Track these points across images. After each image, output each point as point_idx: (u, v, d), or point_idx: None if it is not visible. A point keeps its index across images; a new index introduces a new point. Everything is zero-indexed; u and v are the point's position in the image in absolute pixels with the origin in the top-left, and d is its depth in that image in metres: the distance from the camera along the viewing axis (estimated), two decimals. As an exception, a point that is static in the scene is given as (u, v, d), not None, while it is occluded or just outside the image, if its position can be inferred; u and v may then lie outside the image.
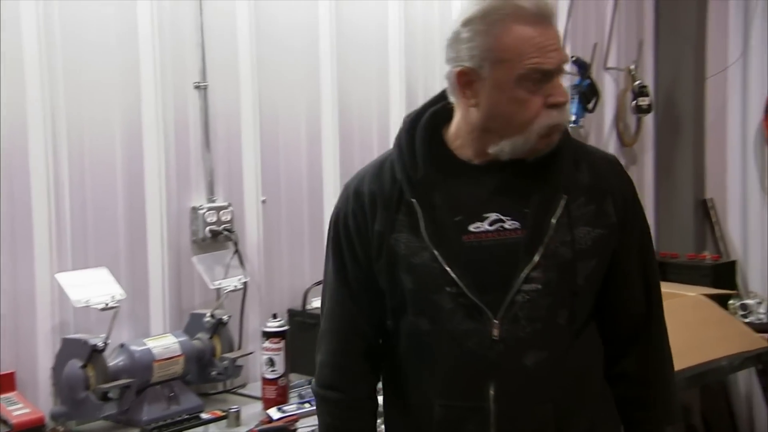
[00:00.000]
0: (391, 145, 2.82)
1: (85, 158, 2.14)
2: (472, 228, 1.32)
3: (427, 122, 1.38)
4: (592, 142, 3.37)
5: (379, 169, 1.40)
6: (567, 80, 1.39)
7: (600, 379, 1.41)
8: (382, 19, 2.74)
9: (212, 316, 2.23)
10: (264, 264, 2.47)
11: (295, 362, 2.28)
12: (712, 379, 2.98)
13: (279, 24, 2.50)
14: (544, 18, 1.28)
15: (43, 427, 1.94)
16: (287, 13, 2.52)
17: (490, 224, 1.32)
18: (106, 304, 2.02)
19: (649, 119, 3.63)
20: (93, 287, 2.05)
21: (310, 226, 2.61)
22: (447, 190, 1.33)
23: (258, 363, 2.29)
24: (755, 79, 3.54)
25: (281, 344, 2.20)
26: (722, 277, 3.29)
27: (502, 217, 1.32)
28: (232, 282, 2.33)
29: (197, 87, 2.33)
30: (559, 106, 1.29)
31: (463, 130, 1.36)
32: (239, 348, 2.33)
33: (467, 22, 1.29)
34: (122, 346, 2.10)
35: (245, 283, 2.36)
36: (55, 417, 1.99)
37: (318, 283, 2.55)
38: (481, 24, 1.28)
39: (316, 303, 2.52)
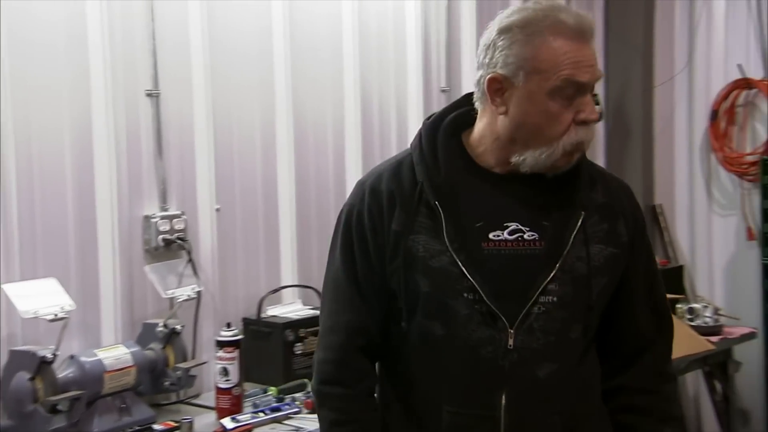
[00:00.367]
0: (345, 151, 2.88)
1: (34, 166, 2.11)
2: (491, 236, 1.32)
3: (448, 127, 1.38)
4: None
5: (398, 168, 1.38)
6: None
7: (599, 394, 1.43)
8: (335, 25, 2.75)
9: (165, 325, 2.21)
10: (218, 272, 2.46)
11: (249, 371, 2.27)
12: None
13: (232, 31, 2.50)
14: (583, 34, 1.28)
15: (-11, 441, 1.91)
16: (240, 20, 2.52)
17: (510, 233, 1.32)
18: (55, 315, 1.99)
19: (599, 128, 3.71)
20: (41, 298, 2.01)
21: (265, 234, 2.61)
22: (468, 196, 1.34)
23: (212, 372, 2.27)
24: (700, 88, 3.65)
25: (235, 353, 2.18)
26: (670, 282, 3.37)
27: (522, 228, 1.32)
28: (186, 291, 2.31)
29: (149, 95, 2.31)
30: (588, 123, 1.30)
31: (488, 137, 1.35)
32: (193, 358, 2.31)
33: (505, 30, 1.29)
34: (72, 357, 2.06)
35: (199, 292, 2.35)
36: (1, 431, 1.95)
37: (273, 292, 2.56)
38: (520, 33, 1.28)
39: (271, 311, 2.52)
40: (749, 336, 3.21)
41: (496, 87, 1.31)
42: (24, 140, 2.08)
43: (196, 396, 2.33)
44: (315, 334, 2.44)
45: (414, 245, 1.32)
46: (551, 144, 1.30)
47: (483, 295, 1.29)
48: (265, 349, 2.41)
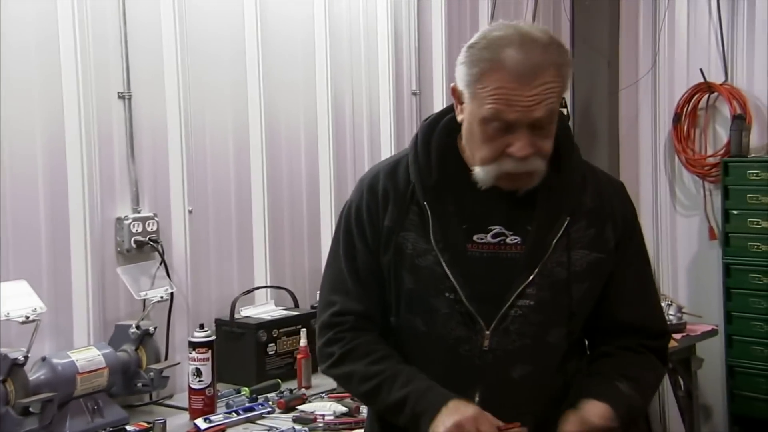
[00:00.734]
0: (318, 155, 2.90)
1: (5, 168, 2.10)
2: (475, 238, 1.35)
3: (443, 128, 1.40)
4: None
5: (394, 167, 1.42)
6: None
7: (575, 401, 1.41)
8: (308, 28, 2.77)
9: (138, 327, 2.21)
10: (191, 274, 2.46)
11: (222, 372, 2.28)
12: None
13: (204, 33, 2.50)
14: (523, 75, 1.26)
15: (-40, 445, 1.90)
16: (213, 23, 2.53)
17: (493, 236, 1.35)
18: (27, 317, 1.98)
19: (566, 129, 3.77)
20: (12, 300, 2.00)
21: (238, 236, 2.62)
22: (458, 198, 1.36)
23: (185, 373, 2.28)
24: (664, 92, 3.73)
25: (208, 354, 2.19)
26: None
27: (505, 231, 1.35)
28: (159, 292, 2.31)
29: (121, 97, 2.31)
30: (515, 157, 1.29)
31: None
32: (166, 359, 2.31)
33: (469, 46, 1.31)
34: (44, 359, 2.05)
35: (172, 294, 2.35)
36: (-27, 433, 1.95)
37: (246, 293, 2.58)
38: (472, 55, 1.29)
39: (244, 312, 2.53)
40: (710, 333, 3.29)
41: (455, 96, 1.35)
42: (-6, 142, 2.08)
43: (170, 397, 2.33)
44: (288, 334, 2.48)
45: (404, 242, 1.37)
46: (485, 166, 1.32)
47: (462, 296, 1.32)
48: (238, 350, 2.42)
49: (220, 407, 2.19)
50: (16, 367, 1.94)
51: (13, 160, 2.11)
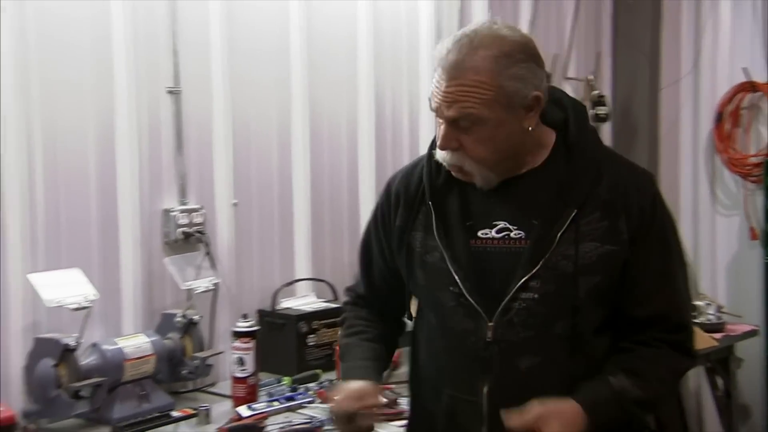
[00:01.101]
0: (358, 149, 2.94)
1: (59, 160, 2.17)
2: (480, 233, 1.39)
3: None
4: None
5: (412, 169, 1.51)
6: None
7: None
8: (351, 26, 2.81)
9: (183, 316, 2.27)
10: (235, 265, 2.51)
11: (264, 361, 2.32)
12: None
13: (251, 31, 2.55)
14: (450, 70, 1.32)
15: (15, 425, 1.95)
16: (259, 21, 2.58)
17: (497, 232, 1.39)
18: (79, 305, 2.05)
19: (606, 128, 3.76)
20: (66, 288, 2.07)
21: (280, 229, 2.67)
22: (464, 196, 1.41)
23: (228, 362, 2.33)
24: (706, 90, 3.69)
25: (251, 344, 2.24)
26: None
27: (510, 226, 1.38)
28: (203, 283, 2.36)
29: (170, 92, 2.37)
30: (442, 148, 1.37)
31: None
32: (209, 347, 2.36)
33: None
34: (94, 345, 2.12)
35: (216, 284, 2.40)
36: (26, 415, 2.01)
37: (287, 284, 2.63)
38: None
39: (285, 303, 2.58)
40: (751, 333, 3.26)
41: None
42: (50, 136, 2.14)
43: (213, 384, 2.38)
44: (327, 326, 2.52)
45: (413, 241, 1.44)
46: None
47: (463, 289, 1.37)
48: (279, 340, 2.47)
49: (262, 396, 2.23)
50: (68, 352, 2.01)
51: (66, 154, 2.18)
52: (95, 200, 2.25)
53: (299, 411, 2.13)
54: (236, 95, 2.51)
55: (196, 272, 2.37)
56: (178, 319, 2.27)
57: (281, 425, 1.98)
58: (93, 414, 2.08)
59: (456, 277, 1.37)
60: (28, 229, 2.10)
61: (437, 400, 1.45)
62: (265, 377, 2.34)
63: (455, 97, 1.32)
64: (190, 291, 2.35)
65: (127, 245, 2.29)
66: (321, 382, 2.35)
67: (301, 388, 2.28)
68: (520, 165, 1.41)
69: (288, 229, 2.68)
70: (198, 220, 2.42)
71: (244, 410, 2.10)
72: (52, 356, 2.00)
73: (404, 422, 1.97)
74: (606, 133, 3.79)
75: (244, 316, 2.29)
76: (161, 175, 2.38)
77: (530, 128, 1.36)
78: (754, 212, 3.58)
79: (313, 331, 2.49)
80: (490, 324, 1.36)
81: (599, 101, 3.59)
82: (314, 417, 2.07)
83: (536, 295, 1.35)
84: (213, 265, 2.43)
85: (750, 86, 3.54)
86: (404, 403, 2.11)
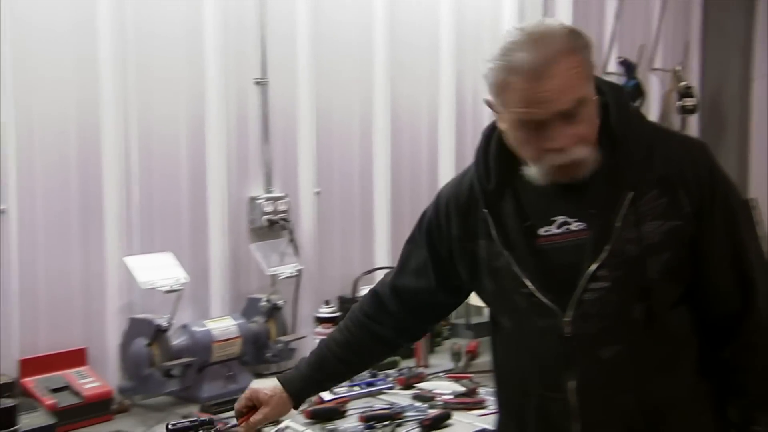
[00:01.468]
0: (438, 141, 2.94)
1: (153, 150, 2.27)
2: (541, 232, 1.38)
3: (499, 135, 1.43)
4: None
5: (461, 177, 1.51)
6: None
7: (692, 373, 1.41)
8: (434, 20, 2.83)
9: (268, 300, 2.33)
10: (317, 252, 2.58)
11: (344, 347, 2.38)
12: None
13: (336, 25, 2.61)
14: (534, 71, 1.27)
15: (111, 400, 2.06)
16: (344, 15, 2.63)
17: (558, 227, 1.37)
18: (171, 287, 2.13)
19: (693, 119, 3.66)
20: (159, 270, 2.16)
21: (360, 218, 2.71)
22: (517, 198, 1.40)
23: (310, 347, 2.38)
24: (801, 82, 3.55)
25: (333, 329, 2.28)
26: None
27: (569, 220, 1.37)
28: (287, 269, 2.43)
29: (258, 83, 2.44)
30: (556, 151, 1.31)
31: None
32: (292, 332, 2.43)
33: (488, 61, 1.33)
34: (184, 326, 2.21)
35: (299, 270, 2.47)
36: (122, 391, 2.12)
37: (368, 272, 2.67)
38: (491, 65, 1.31)
39: (365, 291, 2.61)
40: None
41: (491, 108, 1.37)
42: (145, 126, 2.24)
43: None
44: (407, 314, 2.54)
45: (477, 249, 1.43)
46: (534, 164, 1.34)
47: (534, 289, 1.36)
48: (359, 327, 2.51)
49: (343, 381, 2.28)
50: (160, 332, 2.10)
51: (159, 144, 2.27)
52: (186, 188, 2.34)
53: (379, 396, 2.17)
54: (321, 87, 2.56)
55: (280, 258, 2.43)
56: (263, 303, 2.34)
57: (362, 410, 2.02)
58: (183, 392, 2.16)
59: (524, 279, 1.37)
60: (125, 214, 2.20)
61: (526, 402, 1.43)
62: (345, 363, 2.39)
63: (561, 88, 1.28)
64: (274, 276, 2.42)
65: (216, 231, 2.37)
66: (400, 369, 2.38)
67: (381, 374, 2.31)
68: None
69: (368, 218, 2.72)
70: (282, 207, 2.48)
71: (326, 394, 2.13)
72: (145, 336, 2.10)
73: (483, 411, 2.01)
74: (693, 126, 3.69)
75: (326, 302, 2.34)
76: (248, 164, 2.46)
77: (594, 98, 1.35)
78: None
79: (392, 319, 2.52)
80: (566, 319, 1.35)
81: (687, 92, 3.50)
82: (394, 403, 2.10)
83: (607, 284, 1.33)
84: (296, 251, 2.49)
85: None
86: (483, 393, 2.13)
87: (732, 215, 1.39)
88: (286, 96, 2.51)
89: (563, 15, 3.14)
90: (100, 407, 2.02)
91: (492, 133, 1.45)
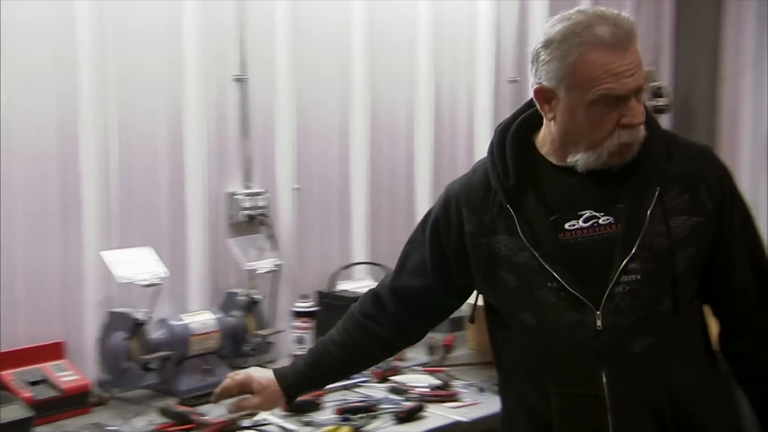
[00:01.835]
0: (415, 138, 2.98)
1: (132, 145, 2.27)
2: (567, 226, 1.38)
3: (517, 129, 1.46)
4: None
5: (471, 174, 1.51)
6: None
7: (710, 365, 1.45)
8: (411, 18, 2.85)
9: (246, 295, 2.35)
10: (296, 248, 2.59)
11: (322, 341, 2.41)
12: None
13: (315, 23, 2.62)
14: (619, 44, 1.29)
15: (89, 393, 2.06)
16: (323, 13, 2.64)
17: (585, 221, 1.38)
18: (149, 281, 2.14)
19: (665, 120, 3.72)
20: (137, 265, 2.17)
21: (339, 214, 2.74)
22: (541, 192, 1.40)
23: (287, 340, 2.42)
24: (768, 83, 3.63)
25: (310, 323, 2.32)
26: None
27: (596, 214, 1.38)
28: (266, 264, 2.45)
29: (237, 80, 2.46)
30: (632, 126, 1.33)
31: (548, 138, 1.43)
32: (270, 326, 2.44)
33: (547, 44, 1.34)
34: (163, 320, 2.22)
35: (278, 265, 2.48)
36: (100, 384, 2.13)
37: (345, 267, 2.70)
38: (558, 49, 1.32)
39: (343, 285, 2.65)
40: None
41: (543, 97, 1.38)
42: (124, 121, 2.25)
43: (272, 362, 2.43)
44: (383, 309, 2.57)
45: (495, 245, 1.41)
46: (596, 148, 1.34)
47: (564, 283, 1.35)
48: (337, 321, 2.52)
49: (320, 374, 2.31)
50: (138, 326, 2.11)
51: (138, 138, 2.28)
52: (165, 183, 2.35)
53: (355, 389, 2.18)
54: (300, 84, 2.58)
55: (258, 253, 2.45)
56: (241, 297, 2.35)
57: (338, 402, 2.04)
58: (161, 385, 2.17)
59: (553, 272, 1.35)
60: (104, 209, 2.20)
61: (546, 404, 1.41)
62: (322, 356, 2.41)
63: (637, 63, 1.31)
64: (252, 271, 2.43)
65: (195, 226, 2.38)
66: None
67: (357, 368, 2.35)
68: None
69: (346, 214, 2.75)
70: (261, 203, 2.50)
71: (303, 387, 2.18)
72: (123, 330, 2.10)
73: (457, 404, 2.04)
74: (664, 125, 3.74)
75: (304, 297, 2.37)
76: (227, 160, 2.47)
77: None
78: (815, 209, 3.50)
79: (369, 314, 2.55)
80: (598, 312, 1.34)
81: (658, 92, 3.56)
82: (369, 396, 2.13)
83: (638, 276, 1.35)
84: (275, 246, 2.51)
85: (816, 78, 3.47)
86: (457, 385, 2.17)
87: (747, 213, 1.45)
88: (266, 93, 2.52)
89: (540, 16, 3.17)
90: (78, 400, 2.03)
91: (506, 131, 1.45)
